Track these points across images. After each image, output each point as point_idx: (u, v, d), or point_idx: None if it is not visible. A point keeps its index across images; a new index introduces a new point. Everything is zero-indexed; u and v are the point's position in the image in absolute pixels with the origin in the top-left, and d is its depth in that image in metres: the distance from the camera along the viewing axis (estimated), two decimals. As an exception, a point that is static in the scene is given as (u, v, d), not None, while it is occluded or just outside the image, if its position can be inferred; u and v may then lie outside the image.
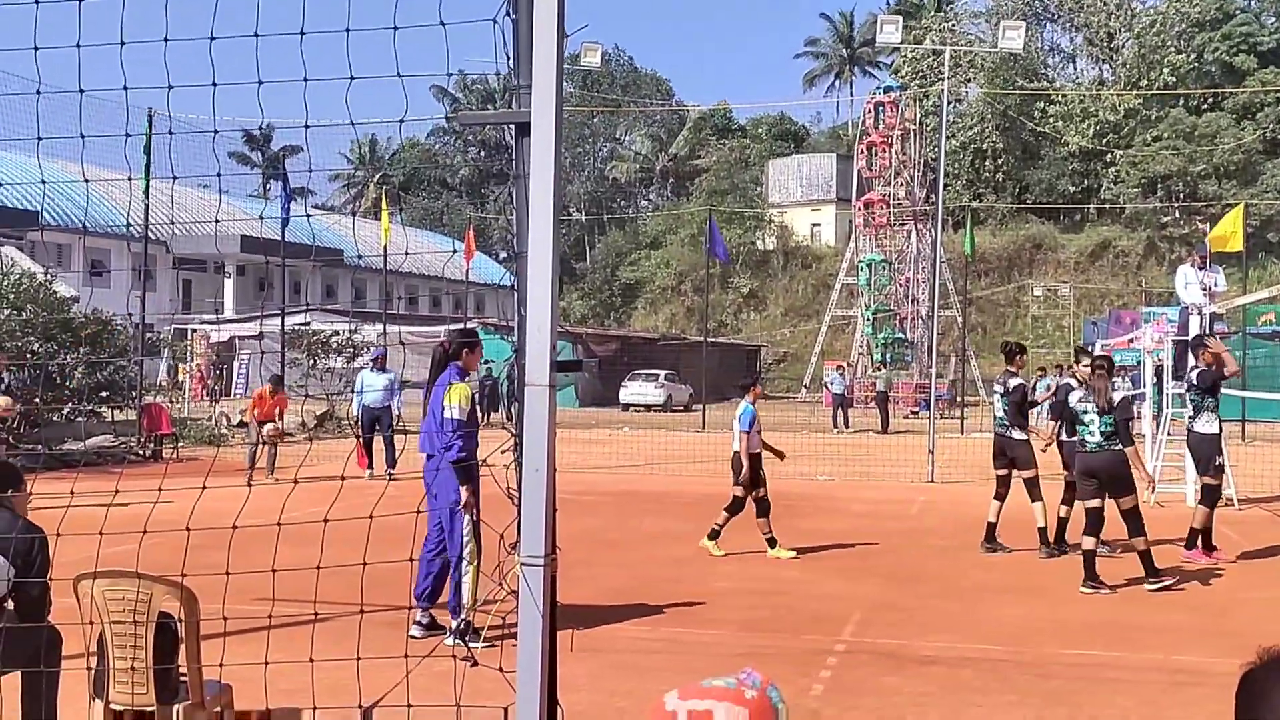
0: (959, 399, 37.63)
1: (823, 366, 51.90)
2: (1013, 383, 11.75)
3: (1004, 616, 8.88)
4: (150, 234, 26.53)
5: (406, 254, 57.36)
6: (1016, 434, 11.60)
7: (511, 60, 3.80)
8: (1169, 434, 15.63)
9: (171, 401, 27.87)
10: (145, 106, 20.45)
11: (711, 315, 46.92)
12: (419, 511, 4.39)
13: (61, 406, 21.39)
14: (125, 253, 42.93)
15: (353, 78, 4.11)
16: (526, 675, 3.26)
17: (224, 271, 55.60)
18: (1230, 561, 11.11)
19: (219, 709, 4.89)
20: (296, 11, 4.09)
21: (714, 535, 11.47)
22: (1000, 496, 11.69)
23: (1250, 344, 32.06)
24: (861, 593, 9.73)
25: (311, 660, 4.44)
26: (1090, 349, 15.80)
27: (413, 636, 7.51)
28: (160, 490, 4.52)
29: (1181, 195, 63.60)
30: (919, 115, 56.55)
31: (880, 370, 46.29)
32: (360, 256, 57.49)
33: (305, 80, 4.24)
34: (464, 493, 7.46)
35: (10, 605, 4.93)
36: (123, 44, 4.20)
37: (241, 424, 23.19)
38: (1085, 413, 10.11)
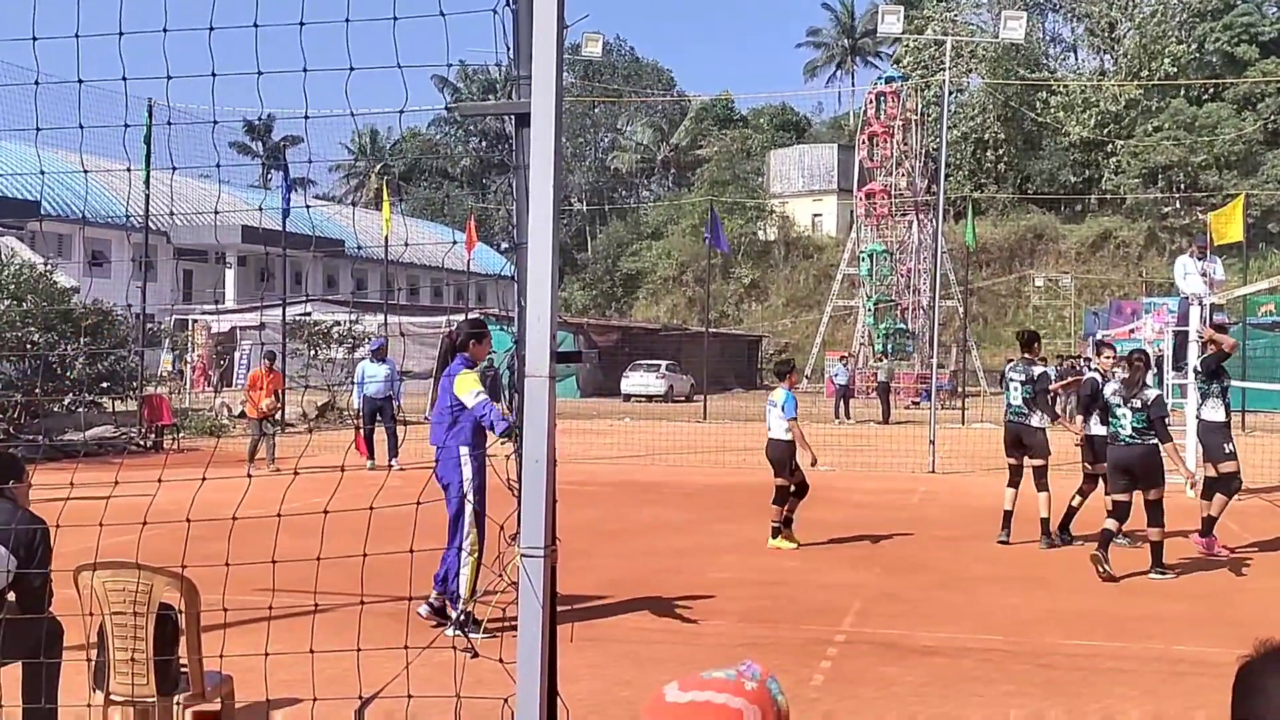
0: (960, 389, 37.64)
1: (824, 357, 51.96)
2: (1036, 370, 11.53)
3: (1005, 607, 8.88)
4: (150, 224, 26.49)
5: (407, 244, 57.36)
6: (1035, 421, 11.43)
7: (511, 50, 3.79)
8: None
9: (173, 392, 27.90)
10: (145, 97, 20.48)
11: (713, 306, 46.96)
12: (419, 503, 4.39)
13: (62, 397, 21.40)
14: (125, 243, 42.89)
15: (353, 68, 4.11)
16: (527, 666, 3.27)
17: (225, 262, 55.56)
18: (1231, 551, 11.11)
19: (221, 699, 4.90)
20: (296, 2, 4.09)
21: (779, 532, 11.37)
22: (1014, 484, 11.62)
23: (1250, 334, 32.06)
24: (862, 583, 9.73)
25: (312, 651, 4.44)
26: (1107, 340, 15.67)
27: (419, 614, 7.64)
28: (160, 481, 4.51)
29: (1182, 185, 63.57)
30: (920, 105, 56.55)
31: (881, 361, 46.33)
32: (361, 247, 57.48)
33: (305, 71, 4.24)
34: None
35: (11, 596, 4.93)
36: (122, 34, 4.19)
37: (242, 414, 23.21)
38: (1118, 406, 10.03)
